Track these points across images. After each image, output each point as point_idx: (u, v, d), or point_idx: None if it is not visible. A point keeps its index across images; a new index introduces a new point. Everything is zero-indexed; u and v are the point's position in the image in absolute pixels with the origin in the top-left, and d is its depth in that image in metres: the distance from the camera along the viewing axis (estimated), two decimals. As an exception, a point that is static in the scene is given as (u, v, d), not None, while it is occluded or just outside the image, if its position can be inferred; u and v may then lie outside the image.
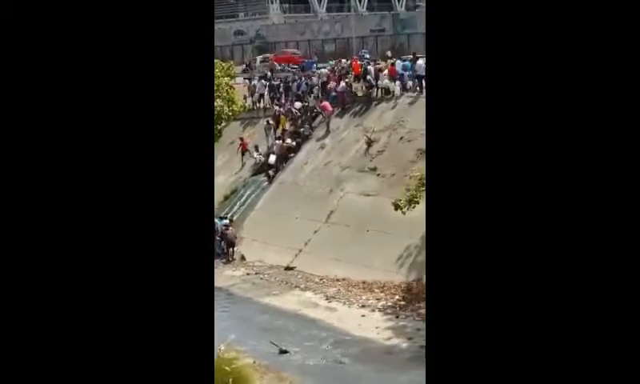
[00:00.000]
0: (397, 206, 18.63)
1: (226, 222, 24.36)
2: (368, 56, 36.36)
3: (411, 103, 25.58)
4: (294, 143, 27.86)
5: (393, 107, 26.11)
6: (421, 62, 26.70)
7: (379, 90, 27.47)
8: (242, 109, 30.62)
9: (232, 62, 35.92)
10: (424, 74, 26.11)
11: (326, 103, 27.94)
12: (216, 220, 23.29)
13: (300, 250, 22.70)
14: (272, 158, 27.63)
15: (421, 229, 19.97)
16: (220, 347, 12.96)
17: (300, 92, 30.58)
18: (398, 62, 28.03)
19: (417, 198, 18.31)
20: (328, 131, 27.28)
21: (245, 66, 43.07)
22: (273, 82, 32.87)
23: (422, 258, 19.59)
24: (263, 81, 33.25)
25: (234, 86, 31.17)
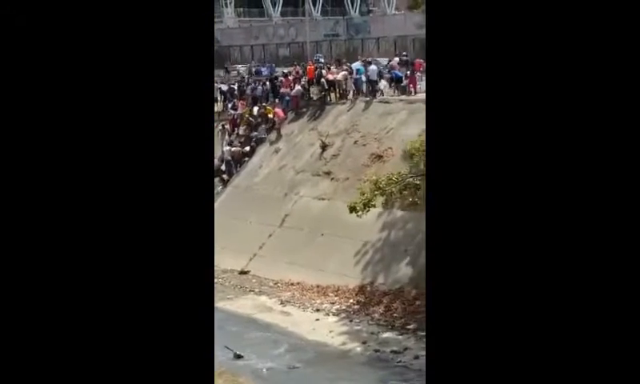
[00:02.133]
0: (352, 209, 18.75)
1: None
2: (322, 60, 36.47)
3: (365, 108, 25.76)
4: (247, 148, 27.83)
5: (347, 111, 26.26)
6: (373, 67, 27.00)
7: (333, 94, 27.62)
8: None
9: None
10: (375, 78, 26.50)
11: (278, 110, 27.98)
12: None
13: (254, 254, 22.68)
14: (226, 163, 27.57)
15: (374, 232, 20.18)
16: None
17: (255, 96, 30.58)
18: (353, 65, 28.22)
19: (372, 201, 18.44)
20: (280, 135, 27.32)
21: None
22: (228, 86, 32.83)
23: (375, 261, 19.75)
24: (218, 85, 33.16)
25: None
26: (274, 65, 38.53)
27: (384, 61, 30.55)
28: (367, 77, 26.90)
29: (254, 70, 37.19)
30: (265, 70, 36.44)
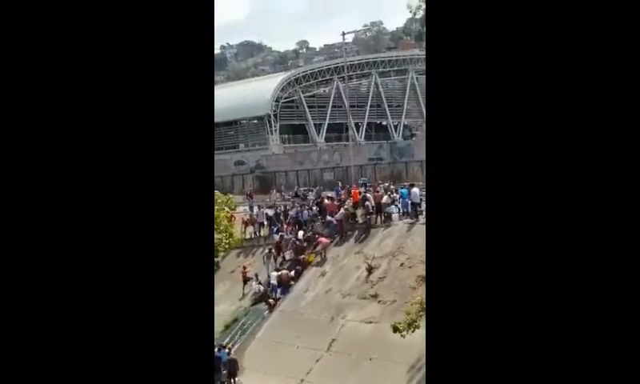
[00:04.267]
0: (395, 329, 18.53)
1: (227, 351, 24.13)
2: (367, 183, 36.91)
3: (409, 229, 25.85)
4: (293, 272, 27.96)
5: (393, 234, 26.36)
6: (415, 190, 27.25)
7: (379, 216, 27.83)
8: (240, 241, 30.96)
9: (231, 196, 36.58)
10: (418, 201, 26.70)
11: (323, 238, 28.18)
12: (216, 351, 23.07)
13: (302, 380, 22.37)
14: (272, 287, 27.67)
15: (423, 353, 19.83)
16: None
17: (300, 220, 30.93)
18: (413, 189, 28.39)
19: (417, 322, 18.25)
20: (325, 259, 27.43)
21: (245, 195, 43.66)
22: (275, 210, 33.32)
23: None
24: (263, 210, 33.68)
25: (234, 215, 31.56)
26: (321, 187, 38.79)
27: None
28: (410, 200, 27.12)
29: (300, 193, 37.68)
30: (311, 194, 36.76)
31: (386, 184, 32.75)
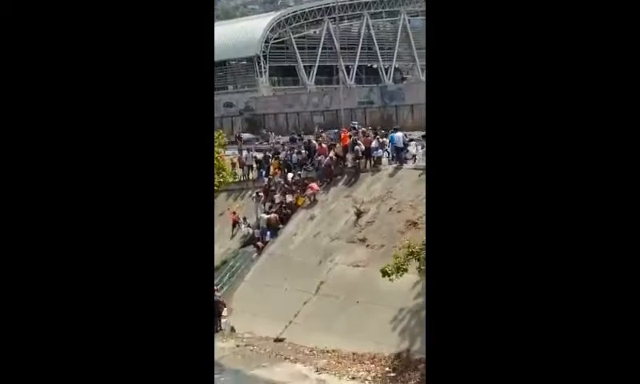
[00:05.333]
0: (384, 273, 18.73)
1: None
2: (357, 127, 36.79)
3: (399, 175, 25.91)
4: (282, 215, 28.04)
5: (382, 178, 26.41)
6: (399, 134, 27.27)
7: (368, 161, 27.84)
8: (231, 177, 30.85)
9: (221, 131, 36.29)
10: (401, 146, 26.75)
11: (313, 184, 28.18)
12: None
13: (290, 322, 22.62)
14: (261, 230, 27.77)
15: (410, 299, 20.05)
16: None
17: (289, 163, 30.89)
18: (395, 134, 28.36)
19: (405, 266, 18.44)
20: (314, 203, 27.51)
21: (234, 137, 43.51)
22: (263, 153, 33.24)
23: (411, 327, 19.59)
24: (252, 152, 33.60)
25: (223, 156, 31.46)
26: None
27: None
28: (394, 144, 27.23)
29: (288, 137, 37.53)
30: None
31: (377, 127, 32.66)
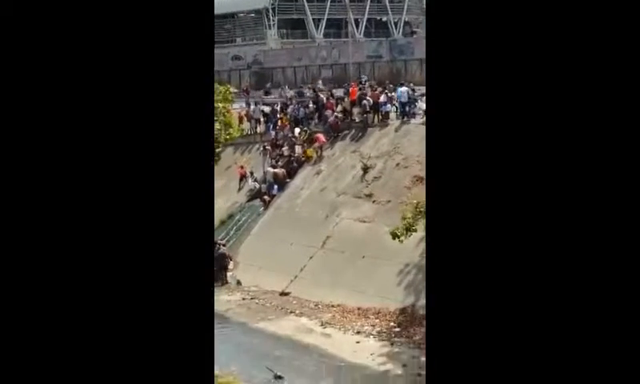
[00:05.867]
0: (394, 235, 18.66)
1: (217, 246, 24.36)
2: (366, 82, 36.46)
3: (405, 130, 25.77)
4: (289, 169, 27.99)
5: (389, 133, 26.29)
6: (404, 89, 27.05)
7: (376, 115, 27.68)
8: (239, 132, 30.72)
9: (229, 86, 36.06)
10: (405, 100, 26.55)
11: (320, 135, 28.06)
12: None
13: (295, 276, 22.73)
14: (268, 184, 27.77)
15: (415, 255, 20.09)
16: (215, 372, 12.96)
17: (298, 118, 30.74)
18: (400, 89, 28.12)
19: (414, 226, 18.35)
20: (321, 157, 27.44)
21: (242, 91, 43.26)
22: (271, 107, 33.07)
23: (416, 283, 19.65)
24: (260, 106, 33.43)
25: (230, 110, 31.33)
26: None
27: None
28: (400, 100, 27.05)
29: (296, 91, 37.26)
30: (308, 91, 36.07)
31: (385, 82, 32.41)
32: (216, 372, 12.86)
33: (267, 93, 40.48)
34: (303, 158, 28.17)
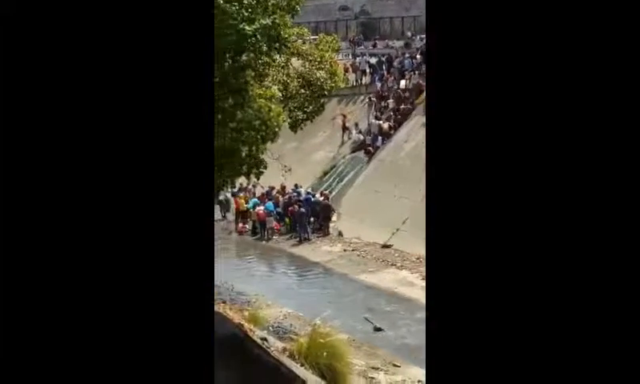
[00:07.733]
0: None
1: (321, 197, 24.52)
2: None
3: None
4: (394, 121, 27.75)
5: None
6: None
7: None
8: (344, 82, 30.64)
9: (336, 36, 35.96)
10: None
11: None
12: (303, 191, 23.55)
13: (397, 229, 22.64)
14: (372, 136, 27.64)
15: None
16: (316, 322, 13.15)
17: (404, 69, 30.36)
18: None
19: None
20: (428, 109, 27.07)
21: (348, 41, 43.03)
22: (378, 58, 32.81)
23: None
24: (366, 57, 33.19)
25: (337, 61, 31.25)
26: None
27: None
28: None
29: (403, 43, 36.81)
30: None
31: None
32: (317, 322, 13.07)
33: (374, 44, 40.13)
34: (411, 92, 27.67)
